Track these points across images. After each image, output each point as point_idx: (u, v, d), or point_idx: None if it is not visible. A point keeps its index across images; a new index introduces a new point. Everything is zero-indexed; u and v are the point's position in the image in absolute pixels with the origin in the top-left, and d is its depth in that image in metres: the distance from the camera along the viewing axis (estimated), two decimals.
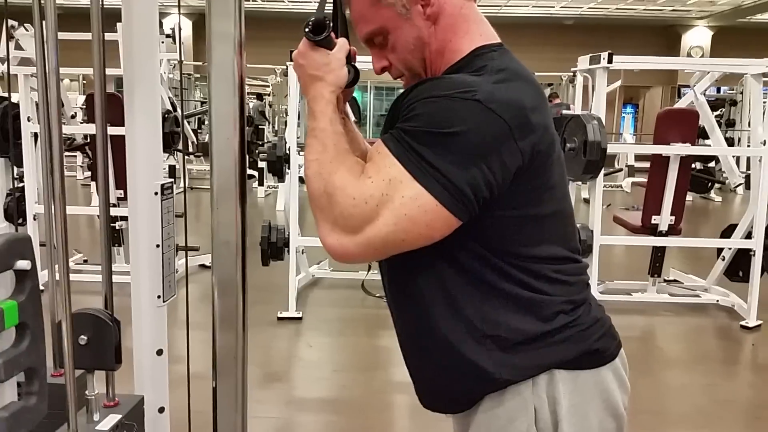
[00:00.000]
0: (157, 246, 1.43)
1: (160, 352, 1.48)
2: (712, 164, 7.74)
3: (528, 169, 0.89)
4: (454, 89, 0.89)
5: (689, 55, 14.24)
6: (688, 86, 13.66)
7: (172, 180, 1.51)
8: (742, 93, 9.94)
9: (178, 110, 4.57)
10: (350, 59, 1.02)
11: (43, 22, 1.15)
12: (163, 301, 1.46)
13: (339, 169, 0.91)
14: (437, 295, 0.96)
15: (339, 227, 0.90)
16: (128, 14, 1.33)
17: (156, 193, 1.42)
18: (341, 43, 0.99)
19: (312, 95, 0.97)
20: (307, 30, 0.98)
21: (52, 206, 1.20)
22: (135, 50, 1.36)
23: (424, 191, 0.86)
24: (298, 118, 4.54)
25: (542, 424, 0.94)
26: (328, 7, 1.05)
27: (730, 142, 9.32)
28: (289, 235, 3.89)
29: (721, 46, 13.87)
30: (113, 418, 1.23)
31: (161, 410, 1.50)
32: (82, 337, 1.24)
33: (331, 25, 0.98)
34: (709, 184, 8.12)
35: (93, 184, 6.16)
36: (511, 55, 0.98)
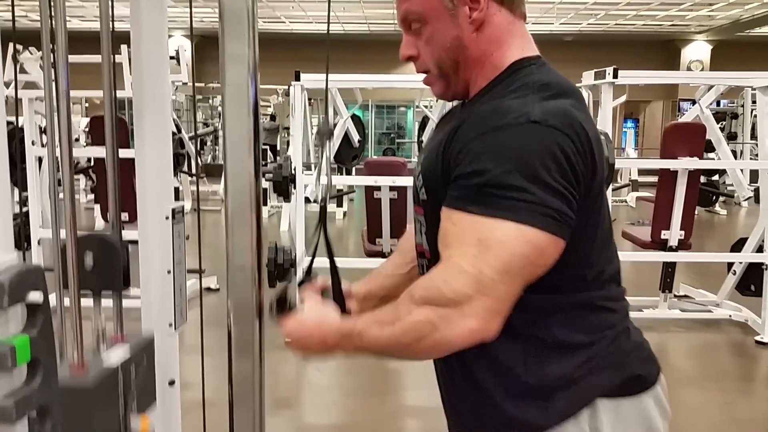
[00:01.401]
0: (169, 272, 1.40)
1: (172, 383, 1.43)
2: (716, 177, 7.72)
3: (592, 179, 0.87)
4: (506, 117, 0.84)
5: (689, 68, 14.30)
6: (688, 100, 13.65)
7: (183, 203, 1.47)
8: (743, 106, 9.96)
9: (183, 131, 4.56)
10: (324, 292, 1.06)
11: (53, 46, 1.12)
12: (175, 329, 1.42)
13: (407, 308, 0.85)
14: (479, 350, 0.90)
15: (455, 314, 0.81)
16: (137, 36, 1.31)
17: (167, 218, 1.39)
18: (307, 303, 1.00)
19: (335, 348, 0.93)
20: (273, 313, 1.02)
21: (62, 230, 1.17)
22: (145, 72, 1.33)
23: (523, 227, 0.80)
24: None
25: None
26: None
27: (733, 155, 9.33)
28: (296, 256, 3.85)
29: (721, 59, 13.93)
30: (121, 353, 1.13)
31: None
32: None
33: (285, 299, 1.03)
34: (714, 198, 8.09)
35: (96, 207, 6.14)
36: (549, 67, 0.95)
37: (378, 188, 3.83)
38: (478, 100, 0.94)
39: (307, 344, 0.95)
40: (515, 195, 0.80)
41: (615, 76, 3.63)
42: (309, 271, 1.13)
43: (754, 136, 10.40)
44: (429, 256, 0.98)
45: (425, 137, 5.65)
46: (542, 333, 0.91)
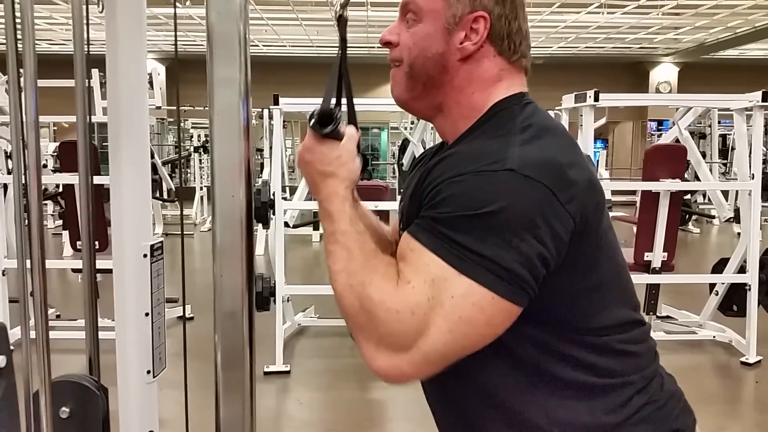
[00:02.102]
0: (147, 314, 1.28)
1: None
2: (687, 196, 7.81)
3: (582, 232, 0.78)
4: (480, 162, 0.77)
5: (658, 90, 14.61)
6: (655, 121, 13.90)
7: (161, 239, 1.37)
8: (710, 126, 10.15)
9: (156, 156, 4.43)
10: (359, 148, 0.91)
11: (20, 70, 1.03)
12: (153, 377, 1.31)
13: (372, 278, 0.78)
14: (485, 394, 0.83)
15: (386, 346, 0.77)
16: (114, 59, 1.21)
17: (145, 255, 1.28)
18: (350, 133, 0.88)
19: (325, 194, 0.85)
20: (313, 122, 0.87)
21: (29, 260, 1.06)
22: (122, 97, 1.24)
23: (475, 285, 0.74)
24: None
25: None
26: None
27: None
28: (275, 284, 3.72)
29: (687, 80, 14.27)
30: None
31: None
32: (64, 409, 1.05)
33: (339, 115, 0.88)
34: (687, 217, 8.18)
35: (65, 233, 5.93)
36: (534, 105, 0.88)
37: None
38: (460, 143, 0.87)
39: (310, 170, 0.87)
40: (468, 243, 0.74)
41: (596, 99, 3.62)
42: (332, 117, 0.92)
43: (721, 156, 10.63)
44: None
45: (405, 160, 5.61)
46: (562, 374, 0.82)
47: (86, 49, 1.14)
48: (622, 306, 0.86)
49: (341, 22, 0.93)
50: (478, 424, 0.84)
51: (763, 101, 3.62)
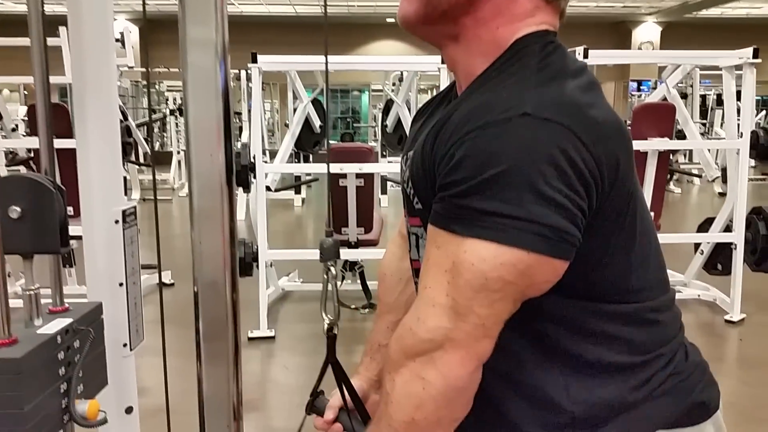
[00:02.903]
0: (121, 285, 1.20)
1: (129, 410, 1.24)
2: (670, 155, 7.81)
3: (612, 180, 0.70)
4: (493, 112, 0.68)
5: (640, 49, 14.49)
6: (637, 81, 13.85)
7: (134, 204, 1.27)
8: (692, 86, 10.11)
9: (130, 119, 4.27)
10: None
11: None
12: (131, 350, 1.23)
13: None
14: (503, 371, 0.76)
15: (460, 356, 0.69)
16: (76, 15, 1.11)
17: (117, 222, 1.19)
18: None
19: None
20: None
21: None
22: (87, 56, 1.14)
23: (502, 248, 0.65)
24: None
25: None
26: None
27: (682, 135, 9.56)
28: (257, 249, 3.64)
29: (670, 40, 14.18)
30: (61, 322, 0.88)
31: None
32: (14, 208, 0.89)
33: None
34: (669, 177, 8.19)
35: None
36: (557, 45, 0.77)
37: (344, 176, 3.64)
38: (473, 92, 0.76)
39: None
40: (497, 208, 0.65)
41: (585, 56, 3.52)
42: (315, 394, 1.07)
43: (701, 116, 10.62)
44: None
45: (389, 121, 5.49)
46: (584, 351, 0.75)
47: (41, 6, 1.01)
48: (650, 267, 0.80)
49: (330, 339, 1.01)
50: (494, 404, 0.78)
51: (753, 58, 3.55)
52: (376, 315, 1.08)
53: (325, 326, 1.01)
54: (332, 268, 1.07)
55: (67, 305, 0.95)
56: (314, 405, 1.05)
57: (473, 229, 0.66)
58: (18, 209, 0.88)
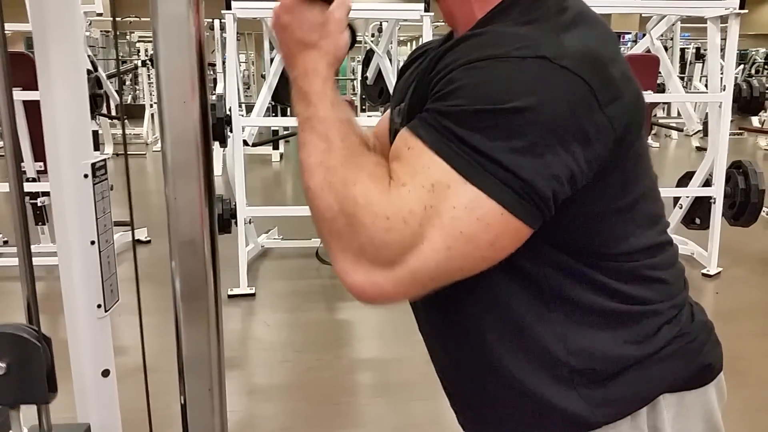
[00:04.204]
0: (93, 243, 1.14)
1: (106, 373, 1.20)
2: None
3: (620, 144, 0.65)
4: (508, 46, 0.62)
5: None
6: (619, 33, 13.80)
7: (105, 156, 1.20)
8: (672, 39, 10.06)
9: (100, 70, 4.11)
10: (349, 24, 0.73)
11: None
12: (105, 311, 1.18)
13: (358, 176, 0.64)
14: (499, 321, 0.72)
15: (367, 259, 0.63)
16: None
17: (86, 176, 1.12)
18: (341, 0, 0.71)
19: (302, 69, 0.69)
20: None
21: None
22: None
23: (483, 196, 0.60)
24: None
25: None
26: None
27: (662, 88, 9.58)
28: (235, 205, 3.57)
29: None
30: None
31: None
32: (1, 365, 0.94)
33: None
34: (649, 130, 8.21)
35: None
36: None
37: None
38: (480, 27, 0.71)
39: (287, 36, 0.71)
40: (480, 145, 0.60)
41: None
42: None
43: (680, 70, 10.61)
44: None
45: (369, 73, 5.35)
46: (584, 299, 0.72)
47: None
48: (653, 226, 0.76)
49: None
50: (487, 355, 0.74)
51: (740, 8, 3.50)
52: None
53: None
54: None
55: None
56: None
57: (452, 156, 0.61)
58: (3, 365, 0.91)
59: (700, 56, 11.24)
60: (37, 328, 0.95)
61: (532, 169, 0.60)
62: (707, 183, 3.94)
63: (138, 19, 9.86)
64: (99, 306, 1.16)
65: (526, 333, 0.72)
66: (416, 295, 0.66)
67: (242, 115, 3.77)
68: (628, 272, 0.72)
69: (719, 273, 3.89)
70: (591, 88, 0.62)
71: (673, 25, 9.14)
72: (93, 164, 1.12)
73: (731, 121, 3.92)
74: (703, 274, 3.88)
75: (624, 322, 0.73)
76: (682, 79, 10.62)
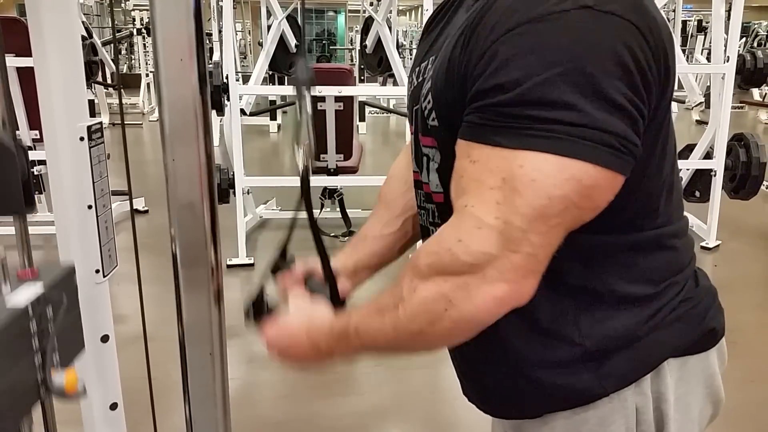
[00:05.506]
0: (90, 207, 1.12)
1: (105, 339, 1.20)
2: None
3: (664, 88, 0.63)
4: (546, 3, 0.59)
5: None
6: None
7: (100, 120, 1.18)
8: (674, 11, 9.95)
9: (95, 37, 4.04)
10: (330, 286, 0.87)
11: None
12: (104, 276, 1.17)
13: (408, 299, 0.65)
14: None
15: (494, 279, 0.60)
16: None
17: (82, 138, 1.10)
18: (291, 301, 0.83)
19: (323, 356, 0.77)
20: (249, 318, 0.87)
21: None
22: None
23: (565, 161, 0.58)
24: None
25: (645, 427, 0.73)
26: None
27: None
28: (233, 175, 3.55)
29: None
30: (31, 290, 0.80)
31: (113, 407, 1.23)
32: None
33: (263, 299, 0.87)
34: None
35: None
36: None
37: (322, 99, 3.50)
38: None
39: (296, 354, 0.79)
40: (557, 116, 0.57)
41: None
42: (284, 255, 0.90)
43: (682, 43, 10.50)
44: (442, 200, 0.74)
45: (369, 41, 5.27)
46: (597, 284, 0.71)
47: None
48: (675, 191, 0.75)
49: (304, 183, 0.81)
50: (500, 338, 0.73)
51: None
52: (372, 211, 0.99)
53: (300, 168, 0.80)
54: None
55: (36, 268, 0.86)
56: (256, 303, 0.90)
57: (527, 140, 0.58)
58: None
59: (701, 29, 11.11)
60: (12, 135, 0.90)
61: (613, 118, 0.58)
62: (708, 156, 3.93)
63: None
64: (97, 271, 1.15)
65: (539, 317, 0.71)
66: (541, 275, 0.63)
67: (240, 84, 3.72)
68: (648, 241, 0.71)
69: (718, 246, 3.89)
70: (641, 32, 0.59)
71: None
72: (89, 127, 1.10)
73: (733, 95, 3.88)
74: (702, 247, 3.88)
75: (637, 303, 0.72)
76: (683, 52, 10.53)
